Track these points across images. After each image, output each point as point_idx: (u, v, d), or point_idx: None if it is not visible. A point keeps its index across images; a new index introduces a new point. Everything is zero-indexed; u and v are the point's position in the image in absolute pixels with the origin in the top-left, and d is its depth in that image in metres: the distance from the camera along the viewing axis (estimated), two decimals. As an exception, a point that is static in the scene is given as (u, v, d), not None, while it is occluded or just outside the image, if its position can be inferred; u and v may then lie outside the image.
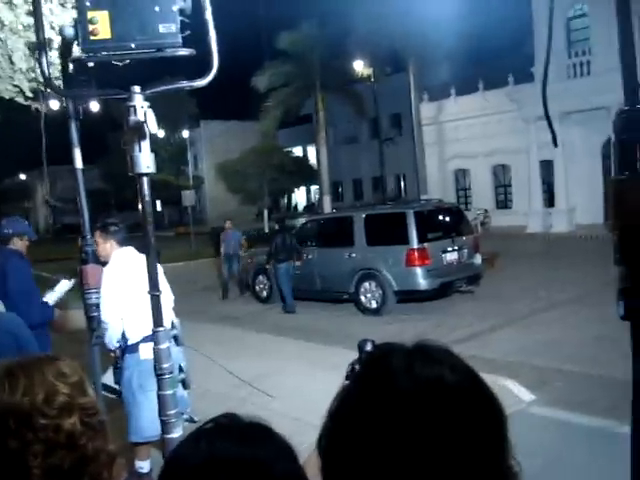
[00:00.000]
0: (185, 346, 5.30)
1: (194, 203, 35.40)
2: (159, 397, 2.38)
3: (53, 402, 1.19)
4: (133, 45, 2.19)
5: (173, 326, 2.43)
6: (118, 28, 2.15)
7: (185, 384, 2.43)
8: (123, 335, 4.73)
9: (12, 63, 5.49)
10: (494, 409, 0.95)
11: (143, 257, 4.93)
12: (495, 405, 0.95)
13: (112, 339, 4.84)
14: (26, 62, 5.16)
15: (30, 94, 5.32)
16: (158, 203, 61.30)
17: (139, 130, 2.20)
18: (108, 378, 5.11)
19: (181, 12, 2.20)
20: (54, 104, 8.11)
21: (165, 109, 50.68)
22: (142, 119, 2.18)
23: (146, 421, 4.39)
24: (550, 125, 2.66)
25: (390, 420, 0.89)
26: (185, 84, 2.47)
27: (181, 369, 2.45)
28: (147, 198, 2.35)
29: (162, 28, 2.16)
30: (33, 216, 77.40)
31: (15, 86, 5.73)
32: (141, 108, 2.20)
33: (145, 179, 2.32)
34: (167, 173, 57.64)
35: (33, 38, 3.49)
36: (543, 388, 7.35)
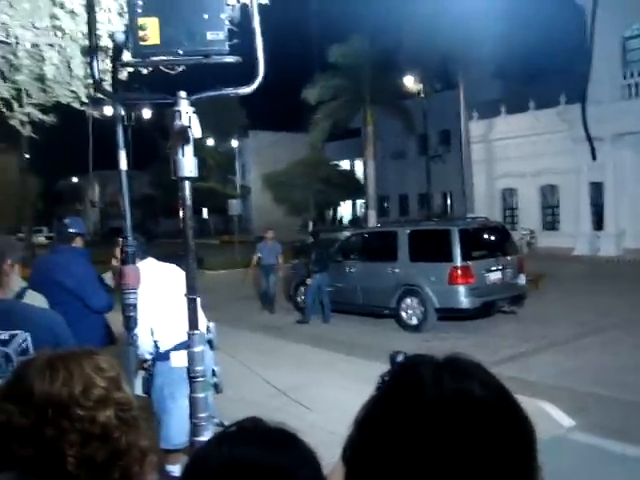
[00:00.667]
0: (223, 353, 5.36)
1: (240, 212, 35.67)
2: (191, 400, 2.41)
3: (90, 394, 1.23)
4: (181, 51, 2.25)
5: (208, 330, 2.47)
6: (167, 34, 2.22)
7: (217, 388, 2.47)
8: (155, 343, 4.80)
9: (70, 69, 5.62)
10: (524, 427, 0.94)
11: (165, 266, 5.04)
12: (525, 423, 0.94)
13: (144, 352, 4.92)
14: (83, 69, 5.29)
15: (85, 100, 5.45)
16: (204, 211, 62.25)
17: (183, 134, 2.24)
18: (135, 386, 5.18)
19: (229, 20, 2.25)
20: (108, 110, 8.32)
21: (216, 119, 51.39)
22: (187, 124, 2.22)
23: (175, 429, 4.44)
24: (589, 139, 2.63)
25: (416, 432, 0.88)
26: (230, 91, 2.51)
27: (214, 373, 2.48)
28: (188, 202, 2.39)
29: (210, 35, 2.21)
30: (83, 218, 78.89)
31: (72, 92, 5.88)
32: (186, 113, 2.25)
33: (187, 183, 2.36)
34: (215, 182, 58.33)
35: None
36: (583, 414, 7.18)
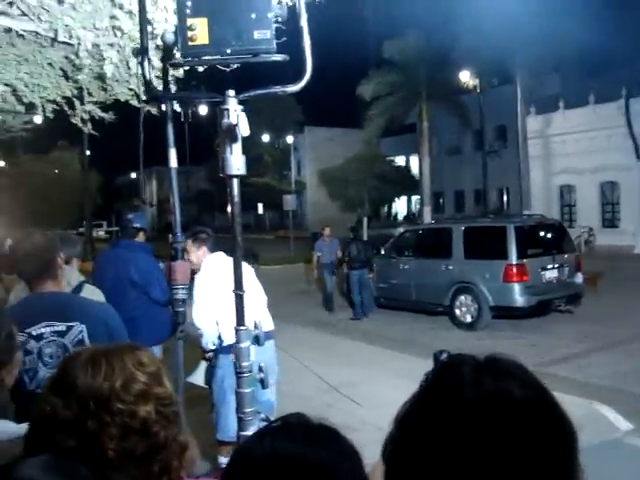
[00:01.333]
0: (277, 348, 5.43)
1: (295, 208, 35.85)
2: (237, 394, 2.46)
3: (131, 389, 1.26)
4: (229, 50, 2.28)
5: (256, 326, 2.51)
6: (215, 34, 2.26)
7: (263, 384, 2.50)
8: (219, 336, 4.88)
9: (129, 68, 5.76)
10: (564, 428, 0.94)
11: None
12: (565, 424, 0.94)
13: (208, 342, 5.03)
14: (141, 66, 5.39)
15: (144, 97, 5.58)
16: (260, 206, 62.75)
17: (231, 133, 2.28)
18: (196, 378, 5.29)
19: (277, 19, 2.28)
20: (163, 106, 8.48)
21: (272, 115, 51.79)
22: (235, 122, 2.26)
23: (232, 422, 4.51)
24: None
25: (455, 431, 0.89)
26: (278, 89, 2.53)
27: (260, 369, 2.52)
28: (236, 199, 2.43)
29: (257, 34, 2.25)
30: (142, 208, 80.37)
31: (130, 89, 6.04)
32: (234, 111, 2.28)
33: (235, 181, 2.39)
34: (270, 177, 58.71)
35: (150, 44, 3.66)
36: (641, 417, 7.03)
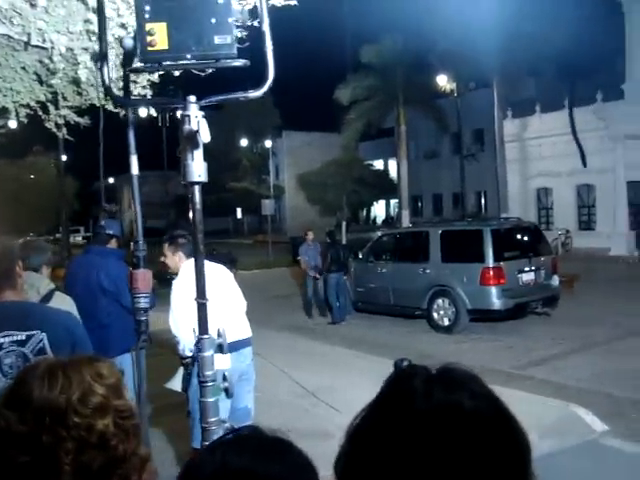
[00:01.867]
0: (254, 353, 5.39)
1: (274, 212, 35.84)
2: (201, 404, 2.43)
3: (88, 402, 1.22)
4: (189, 56, 2.26)
5: (219, 334, 2.47)
6: (175, 39, 2.23)
7: (227, 392, 2.47)
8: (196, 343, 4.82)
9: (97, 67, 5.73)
10: (516, 439, 0.93)
11: (214, 266, 5.06)
12: (517, 436, 0.93)
13: (185, 349, 4.96)
14: (116, 72, 5.37)
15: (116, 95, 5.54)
16: (239, 211, 62.60)
17: (192, 139, 2.26)
18: (174, 384, 5.23)
19: (238, 24, 2.26)
20: (142, 111, 8.43)
21: (250, 119, 51.72)
22: (196, 128, 2.23)
23: None
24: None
25: (406, 443, 0.88)
26: (240, 94, 2.51)
27: (224, 378, 2.49)
28: (198, 207, 2.40)
29: (218, 39, 2.22)
30: (119, 218, 79.98)
31: (102, 86, 6.00)
32: (195, 118, 2.26)
33: (196, 187, 2.37)
34: (249, 182, 58.60)
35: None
36: (617, 419, 7.04)
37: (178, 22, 2.20)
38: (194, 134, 2.20)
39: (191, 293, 4.53)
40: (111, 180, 77.46)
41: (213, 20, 2.21)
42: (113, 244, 5.83)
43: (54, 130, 7.41)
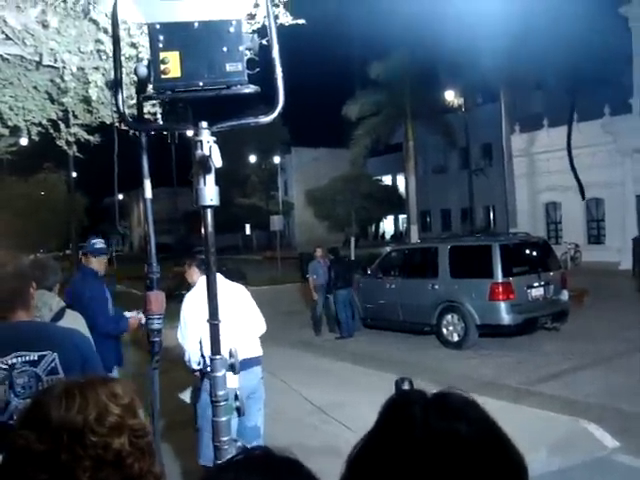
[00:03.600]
0: (263, 370, 5.41)
1: (282, 228, 35.87)
2: (213, 423, 2.45)
3: (104, 421, 1.26)
4: (201, 83, 2.31)
5: (231, 354, 2.50)
6: (187, 67, 2.30)
7: (239, 411, 2.49)
8: (204, 359, 4.83)
9: (112, 93, 5.80)
10: (513, 465, 0.94)
11: (227, 283, 5.11)
12: (515, 461, 0.94)
13: (192, 362, 4.99)
14: (127, 90, 5.44)
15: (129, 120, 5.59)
16: (247, 227, 62.69)
17: (204, 164, 2.30)
18: (185, 395, 5.27)
19: (249, 51, 2.32)
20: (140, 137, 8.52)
21: (258, 136, 51.86)
22: (207, 153, 2.27)
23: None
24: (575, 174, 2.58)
25: (404, 472, 0.90)
26: (251, 120, 2.55)
27: (236, 397, 2.51)
28: (210, 230, 2.43)
29: (229, 67, 2.28)
30: (129, 234, 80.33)
31: (116, 112, 6.07)
32: (207, 143, 2.30)
33: (209, 211, 2.41)
34: (257, 198, 58.75)
35: (134, 67, 3.67)
36: (628, 435, 6.98)
37: (191, 51, 2.26)
38: (206, 159, 2.24)
39: (202, 307, 4.58)
40: (120, 196, 77.92)
41: (224, 48, 2.26)
42: (91, 262, 5.82)
43: (65, 147, 7.49)
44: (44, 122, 7.03)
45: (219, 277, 5.04)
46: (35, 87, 6.64)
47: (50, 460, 1.21)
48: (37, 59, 5.50)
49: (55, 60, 5.40)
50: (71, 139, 7.33)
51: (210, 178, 2.29)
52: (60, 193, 41.33)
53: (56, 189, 42.84)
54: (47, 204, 41.49)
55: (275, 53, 2.32)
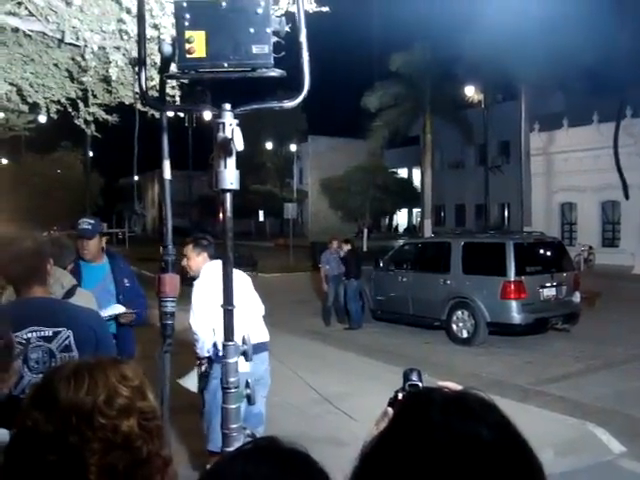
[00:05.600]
0: (271, 357, 5.39)
1: (296, 216, 35.86)
2: (223, 410, 2.43)
3: (113, 403, 1.24)
4: (226, 64, 2.27)
5: (244, 341, 2.48)
6: (213, 48, 2.25)
7: (250, 400, 2.47)
8: (215, 345, 4.82)
9: (134, 71, 5.78)
10: (532, 469, 0.92)
11: (234, 270, 5.09)
12: (534, 465, 0.92)
13: (203, 349, 4.97)
14: (147, 71, 5.41)
15: (139, 105, 5.58)
16: (261, 214, 62.79)
17: (226, 147, 2.27)
18: (188, 382, 5.24)
19: (276, 34, 2.27)
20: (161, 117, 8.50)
21: (276, 123, 51.88)
22: (229, 136, 2.24)
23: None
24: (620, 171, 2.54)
25: (423, 474, 0.88)
26: (275, 104, 2.52)
27: (247, 384, 2.49)
28: (229, 214, 2.40)
29: (255, 49, 2.24)
30: (134, 217, 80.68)
31: (135, 93, 6.05)
32: (229, 126, 2.27)
33: (228, 195, 2.38)
34: (272, 185, 58.78)
35: (156, 48, 3.63)
36: (635, 440, 6.93)
37: (217, 31, 2.22)
38: (228, 142, 2.21)
39: (213, 294, 4.56)
40: (136, 178, 78.16)
41: (252, 30, 2.23)
42: (77, 244, 5.30)
43: (83, 127, 7.49)
44: (63, 100, 7.04)
45: (218, 264, 5.01)
46: (56, 65, 6.64)
47: (58, 441, 1.19)
48: (59, 37, 5.49)
49: (77, 38, 5.39)
50: (89, 118, 7.34)
51: (231, 161, 2.26)
52: (76, 172, 41.56)
53: (72, 168, 43.07)
54: (63, 182, 41.73)
55: (302, 37, 2.28)
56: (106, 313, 4.71)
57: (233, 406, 2.38)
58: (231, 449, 2.30)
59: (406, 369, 1.35)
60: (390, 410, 1.23)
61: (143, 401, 1.30)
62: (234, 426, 2.35)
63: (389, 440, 0.96)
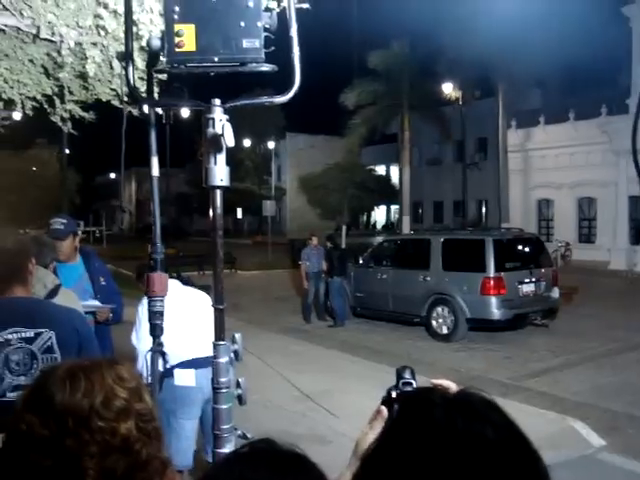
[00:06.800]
0: (251, 355, 5.35)
1: (274, 213, 35.79)
2: (214, 411, 2.39)
3: (111, 405, 1.21)
4: (216, 59, 2.24)
5: (234, 341, 2.44)
6: (203, 41, 2.22)
7: (241, 400, 2.44)
8: (164, 358, 4.69)
9: (111, 68, 5.70)
10: (537, 467, 0.91)
11: (189, 289, 5.03)
12: (538, 463, 0.91)
13: (142, 367, 4.83)
14: (125, 70, 5.35)
15: (126, 98, 5.52)
16: (239, 211, 62.60)
17: (216, 143, 2.23)
18: None
19: (266, 28, 2.24)
20: (146, 108, 8.41)
21: (254, 120, 51.69)
22: (220, 132, 2.21)
23: (174, 449, 4.35)
24: (636, 163, 2.56)
25: (429, 476, 0.86)
26: (265, 99, 2.49)
27: (238, 384, 2.46)
28: (219, 211, 2.37)
29: (246, 43, 2.21)
30: (118, 215, 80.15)
31: (112, 90, 5.97)
32: (219, 121, 2.24)
33: (218, 192, 2.35)
34: (250, 182, 58.63)
35: (135, 45, 3.58)
36: (614, 434, 7.02)
37: (207, 24, 2.18)
38: (218, 138, 2.18)
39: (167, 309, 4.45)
40: (112, 175, 77.57)
41: (242, 23, 2.19)
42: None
43: (59, 124, 7.38)
44: (39, 97, 6.93)
45: (178, 284, 4.96)
46: (31, 60, 6.53)
47: (55, 446, 1.16)
48: (34, 32, 5.40)
49: (52, 33, 5.30)
50: (66, 115, 7.24)
51: (221, 157, 2.23)
52: (52, 169, 41.14)
53: (48, 165, 42.63)
54: (38, 180, 41.27)
55: (293, 32, 2.26)
56: (86, 306, 4.64)
57: (224, 406, 2.34)
58: (223, 451, 2.27)
59: (399, 367, 1.33)
60: (384, 409, 1.22)
61: (140, 402, 1.27)
62: (225, 427, 2.32)
63: (391, 441, 0.94)
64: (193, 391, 4.60)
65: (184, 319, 4.56)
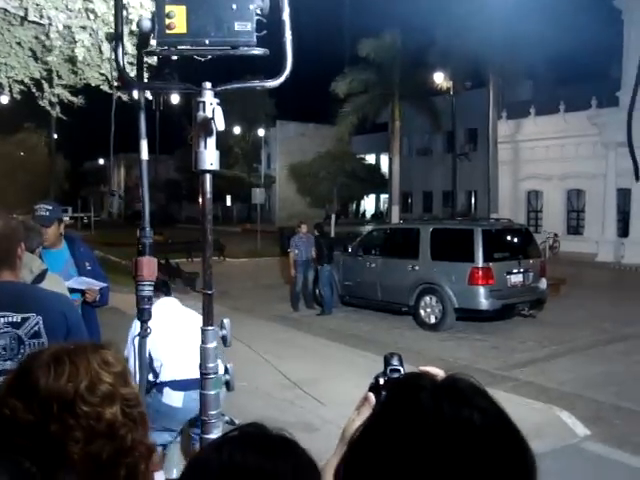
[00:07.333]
0: (239, 342, 5.35)
1: (263, 201, 35.73)
2: (201, 397, 2.38)
3: (96, 390, 1.19)
4: (207, 41, 2.21)
5: (222, 326, 2.42)
6: (194, 24, 2.19)
7: (229, 386, 2.42)
8: (154, 370, 4.66)
9: (101, 52, 5.65)
10: (524, 454, 0.90)
11: (186, 309, 5.03)
12: (525, 450, 0.91)
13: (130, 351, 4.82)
14: (114, 52, 5.30)
15: (115, 83, 5.47)
16: (228, 199, 62.47)
17: (206, 126, 2.21)
18: None
19: (258, 11, 2.21)
20: (136, 93, 8.34)
21: (244, 107, 51.48)
22: (210, 116, 2.18)
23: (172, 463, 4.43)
24: (633, 155, 2.56)
25: (415, 460, 0.86)
26: (257, 83, 2.47)
27: (227, 370, 2.44)
28: (208, 195, 2.35)
29: (237, 26, 2.18)
30: (107, 200, 79.79)
31: (102, 74, 5.91)
32: (210, 105, 2.21)
33: (208, 176, 2.32)
34: (240, 169, 58.47)
35: (124, 29, 3.54)
36: (600, 424, 7.09)
37: (198, 6, 2.15)
38: (208, 121, 2.16)
39: (158, 328, 4.43)
40: (101, 161, 77.16)
41: (234, 6, 2.16)
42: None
43: (48, 108, 7.31)
44: (27, 80, 6.85)
45: (175, 302, 4.98)
46: (19, 43, 6.45)
47: (39, 431, 1.14)
48: (22, 14, 5.34)
49: (41, 16, 5.24)
50: (54, 100, 7.17)
51: (211, 141, 2.20)
52: (40, 155, 40.86)
53: (36, 150, 42.34)
54: (26, 165, 41.00)
55: (285, 15, 2.23)
56: (80, 282, 4.62)
57: (212, 392, 2.33)
58: (210, 436, 2.26)
59: (387, 354, 1.32)
60: (371, 395, 1.21)
61: (126, 387, 1.25)
62: (213, 412, 2.31)
63: (378, 427, 0.93)
64: (179, 412, 4.61)
65: (179, 339, 4.60)
